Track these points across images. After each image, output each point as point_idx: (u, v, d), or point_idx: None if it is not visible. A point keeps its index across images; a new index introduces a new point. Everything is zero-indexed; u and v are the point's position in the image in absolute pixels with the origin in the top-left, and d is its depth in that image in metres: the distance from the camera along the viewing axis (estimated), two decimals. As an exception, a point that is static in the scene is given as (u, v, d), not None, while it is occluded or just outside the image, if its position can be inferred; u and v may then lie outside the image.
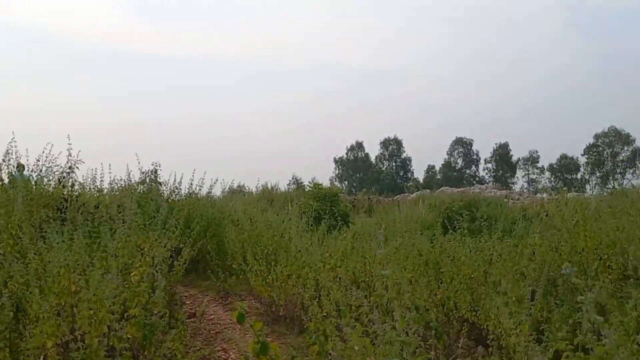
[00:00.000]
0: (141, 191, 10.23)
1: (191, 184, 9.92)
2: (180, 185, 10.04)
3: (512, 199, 28.75)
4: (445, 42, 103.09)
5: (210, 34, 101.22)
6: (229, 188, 14.80)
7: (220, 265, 8.12)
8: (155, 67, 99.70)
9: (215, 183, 10.35)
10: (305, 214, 11.57)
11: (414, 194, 32.70)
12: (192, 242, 7.47)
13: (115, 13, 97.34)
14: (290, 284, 5.78)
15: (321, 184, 13.88)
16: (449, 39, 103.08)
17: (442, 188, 37.71)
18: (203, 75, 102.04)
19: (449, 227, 16.87)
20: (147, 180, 10.58)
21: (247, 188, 32.42)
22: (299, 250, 6.45)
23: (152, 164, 10.54)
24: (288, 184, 32.28)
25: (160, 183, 10.54)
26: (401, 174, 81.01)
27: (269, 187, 28.41)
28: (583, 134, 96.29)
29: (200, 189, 10.23)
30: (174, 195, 10.02)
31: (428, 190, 35.49)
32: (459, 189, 34.56)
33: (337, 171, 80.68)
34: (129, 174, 10.23)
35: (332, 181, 74.00)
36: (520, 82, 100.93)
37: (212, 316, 6.25)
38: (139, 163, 10.26)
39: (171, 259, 5.75)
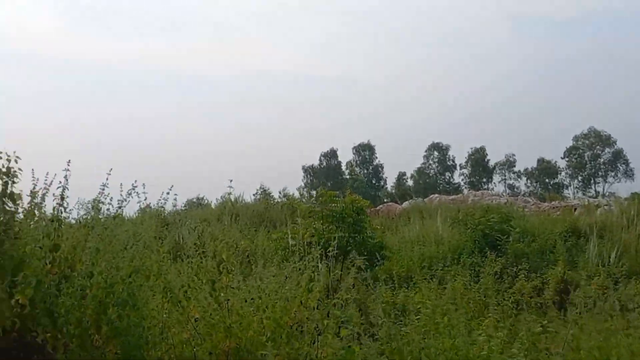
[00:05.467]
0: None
1: (61, 196, 4.15)
2: (44, 200, 4.27)
3: (518, 207, 24.48)
4: (421, 53, 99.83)
5: (156, 45, 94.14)
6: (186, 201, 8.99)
7: None
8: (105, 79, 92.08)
9: (131, 193, 4.54)
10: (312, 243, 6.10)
11: (404, 203, 27.77)
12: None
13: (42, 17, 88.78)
14: None
15: (335, 192, 8.26)
16: (422, 51, 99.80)
17: (431, 196, 33.15)
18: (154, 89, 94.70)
19: (487, 248, 11.50)
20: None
21: (205, 200, 26.61)
22: None
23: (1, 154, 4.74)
24: (255, 194, 26.45)
25: (14, 198, 4.76)
26: (373, 182, 76.47)
27: (232, 198, 22.78)
28: (561, 136, 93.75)
29: (100, 205, 4.54)
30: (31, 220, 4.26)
31: (422, 199, 30.59)
32: (452, 197, 30.09)
33: (306, 180, 75.47)
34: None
35: (300, 191, 69.30)
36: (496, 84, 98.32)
37: None
38: None
39: None
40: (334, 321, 3.79)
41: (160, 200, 4.95)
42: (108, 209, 4.46)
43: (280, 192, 31.43)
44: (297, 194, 42.87)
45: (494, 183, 75.65)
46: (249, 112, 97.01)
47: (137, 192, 4.47)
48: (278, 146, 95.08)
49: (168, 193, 4.80)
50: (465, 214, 16.64)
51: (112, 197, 4.49)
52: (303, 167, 75.99)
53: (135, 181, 4.52)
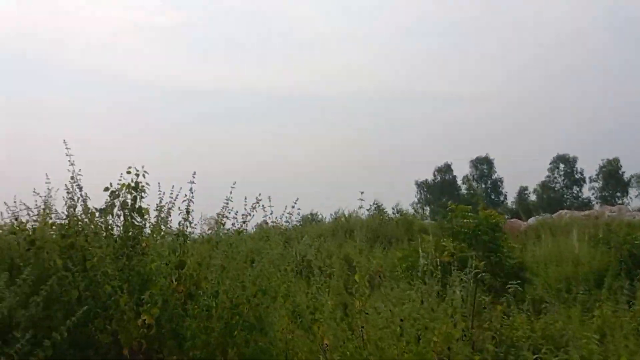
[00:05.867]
0: (105, 229, 4.57)
1: (187, 210, 3.98)
2: (170, 214, 4.14)
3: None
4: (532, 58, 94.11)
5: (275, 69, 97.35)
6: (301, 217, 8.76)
7: None
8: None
9: (255, 207, 4.27)
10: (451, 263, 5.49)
11: (530, 220, 25.91)
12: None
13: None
14: None
15: (468, 207, 7.56)
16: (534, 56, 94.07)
17: (560, 211, 30.68)
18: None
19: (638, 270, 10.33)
20: (118, 203, 4.85)
21: (319, 216, 26.63)
22: None
23: (129, 169, 4.72)
24: (368, 210, 25.79)
25: (141, 212, 4.71)
26: (492, 197, 72.75)
27: (346, 214, 22.42)
28: None
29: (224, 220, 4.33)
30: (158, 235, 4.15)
31: (550, 215, 28.39)
32: (584, 212, 27.50)
33: (419, 195, 73.65)
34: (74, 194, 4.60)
35: (414, 207, 67.53)
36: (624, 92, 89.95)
37: None
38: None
39: None
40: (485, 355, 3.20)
41: (284, 214, 4.67)
42: (233, 224, 4.23)
43: (393, 208, 30.62)
44: (410, 210, 41.45)
45: (630, 197, 68.95)
46: (358, 129, 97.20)
47: (262, 206, 4.21)
48: (389, 161, 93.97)
49: (293, 207, 4.49)
50: (608, 231, 15.00)
51: (237, 211, 4.26)
52: (416, 182, 74.20)
53: (260, 194, 4.27)
